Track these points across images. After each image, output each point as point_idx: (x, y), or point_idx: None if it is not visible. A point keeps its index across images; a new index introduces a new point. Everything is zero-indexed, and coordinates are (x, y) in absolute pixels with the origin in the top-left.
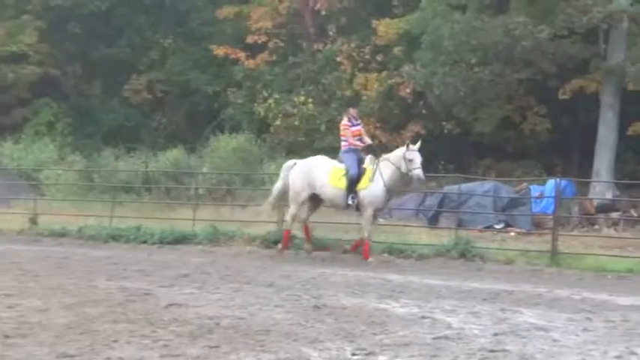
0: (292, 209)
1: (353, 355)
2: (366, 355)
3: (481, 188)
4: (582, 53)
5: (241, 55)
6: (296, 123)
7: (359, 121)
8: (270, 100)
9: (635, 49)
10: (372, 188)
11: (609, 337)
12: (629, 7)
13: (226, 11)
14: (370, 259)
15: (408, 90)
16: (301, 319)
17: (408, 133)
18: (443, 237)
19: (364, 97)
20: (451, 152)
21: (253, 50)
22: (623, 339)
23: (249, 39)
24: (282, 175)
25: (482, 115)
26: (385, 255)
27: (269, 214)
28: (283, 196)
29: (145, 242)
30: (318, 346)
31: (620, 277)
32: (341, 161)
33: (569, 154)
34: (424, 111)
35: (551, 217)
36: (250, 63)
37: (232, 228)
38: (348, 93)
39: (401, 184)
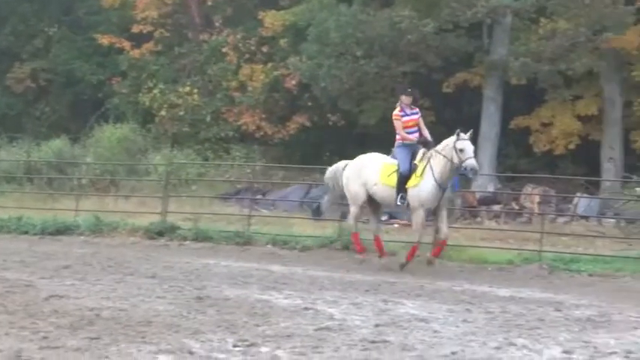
0: (353, 210)
1: (235, 346)
2: (248, 346)
3: None
4: (466, 47)
5: (126, 44)
6: (181, 113)
7: (415, 110)
8: (156, 91)
9: (518, 43)
10: (421, 186)
11: (488, 328)
12: (513, 2)
13: (112, 0)
14: (409, 261)
15: (293, 82)
16: (183, 310)
17: (293, 124)
18: (327, 228)
19: (249, 89)
20: (336, 144)
21: (139, 40)
22: (501, 330)
23: (135, 28)
24: (330, 181)
25: (367, 107)
26: (269, 246)
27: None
28: (336, 202)
29: (26, 233)
30: (200, 337)
31: (500, 268)
32: (394, 157)
33: None
34: (309, 103)
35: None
36: (135, 53)
37: (115, 219)
38: (233, 84)
39: (451, 176)
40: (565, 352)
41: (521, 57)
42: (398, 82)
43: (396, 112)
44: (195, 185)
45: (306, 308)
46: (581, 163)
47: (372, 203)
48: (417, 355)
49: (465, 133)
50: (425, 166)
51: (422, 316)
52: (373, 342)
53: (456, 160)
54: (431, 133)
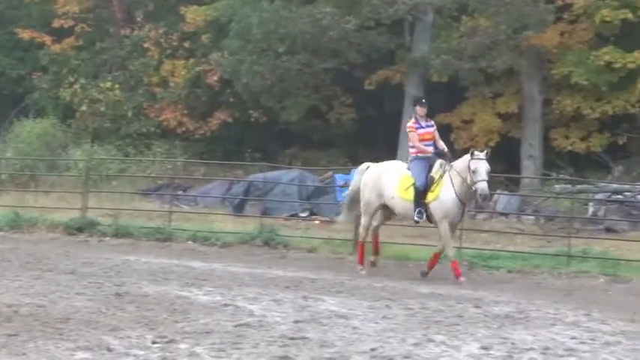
0: (364, 221)
1: (153, 343)
2: (167, 342)
3: (287, 177)
4: (388, 44)
5: (47, 39)
6: (102, 109)
7: (430, 122)
8: (77, 86)
9: (439, 41)
10: (442, 198)
11: (408, 325)
12: (433, 1)
13: None
14: (462, 279)
15: (215, 78)
16: (102, 306)
17: (214, 120)
18: (248, 225)
19: (171, 84)
20: (258, 140)
21: (60, 35)
22: (421, 326)
23: (56, 23)
24: (354, 179)
25: (289, 103)
26: (189, 242)
27: (347, 226)
28: (356, 204)
29: None
30: (118, 334)
31: (421, 265)
32: (409, 170)
33: (373, 143)
34: (231, 99)
35: None
36: (56, 47)
37: (35, 214)
38: (155, 80)
39: (470, 196)
40: (483, 348)
41: (442, 54)
42: (320, 80)
43: (411, 123)
44: (115, 181)
45: (225, 305)
46: (501, 161)
47: (386, 209)
48: (335, 351)
49: (482, 152)
50: (442, 179)
51: (342, 312)
52: (292, 338)
53: (469, 180)
54: (351, 130)
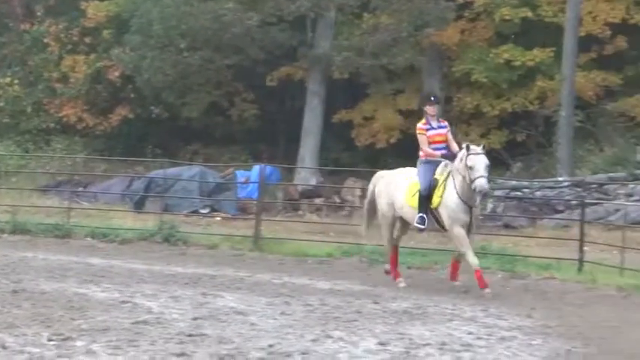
0: (383, 233)
1: (49, 340)
2: (63, 340)
3: (187, 173)
4: (290, 41)
5: None
6: (1, 104)
7: (444, 123)
8: None
9: (341, 38)
10: (446, 202)
11: (306, 321)
12: None
13: None
14: (487, 290)
15: (116, 73)
16: None
17: (115, 116)
18: (148, 221)
19: (72, 80)
20: (159, 137)
21: None
22: (319, 322)
23: None
24: (369, 189)
25: (190, 100)
26: (88, 239)
27: (367, 235)
28: (374, 215)
29: None
30: (14, 331)
31: (320, 261)
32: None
33: (275, 140)
34: (133, 95)
35: (255, 202)
36: None
37: None
38: (55, 75)
39: (472, 195)
40: (380, 343)
41: (344, 51)
42: (222, 76)
43: (420, 124)
44: (14, 177)
45: (123, 302)
46: (403, 157)
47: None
48: (233, 347)
49: (479, 145)
50: (446, 181)
51: (240, 309)
52: (190, 335)
53: (467, 178)
54: (253, 127)
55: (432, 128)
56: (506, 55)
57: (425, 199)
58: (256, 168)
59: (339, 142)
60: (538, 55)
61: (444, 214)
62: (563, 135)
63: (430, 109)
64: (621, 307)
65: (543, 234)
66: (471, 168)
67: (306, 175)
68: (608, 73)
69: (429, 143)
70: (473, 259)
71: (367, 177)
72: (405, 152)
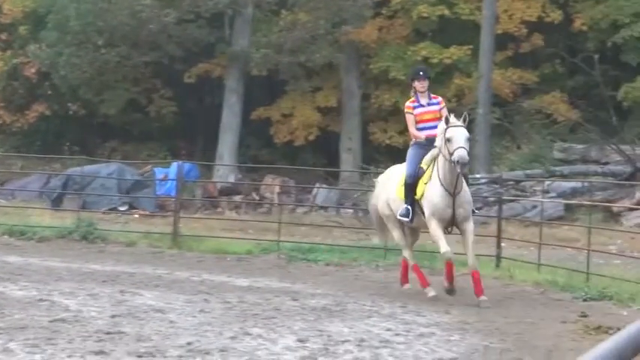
0: (395, 237)
1: None
2: None
3: (106, 170)
4: (208, 37)
5: None
6: None
7: (435, 99)
8: None
9: (259, 34)
10: (428, 191)
11: (225, 318)
12: None
13: None
14: (483, 298)
15: (33, 70)
16: None
17: (32, 113)
18: (66, 219)
19: None
20: (77, 133)
21: None
22: (238, 320)
23: None
24: (373, 194)
25: (108, 96)
26: (5, 237)
27: (382, 239)
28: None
29: None
30: None
31: (239, 258)
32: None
33: (194, 137)
34: (50, 91)
35: (174, 199)
36: None
37: None
38: None
39: (456, 181)
40: (299, 340)
41: (262, 48)
42: (140, 72)
43: (408, 102)
44: None
45: (41, 300)
46: (321, 154)
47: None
48: (152, 345)
49: (459, 118)
50: (432, 168)
51: (159, 306)
52: (108, 333)
53: (446, 153)
54: (171, 124)
55: (421, 106)
56: (423, 53)
57: (409, 189)
58: (174, 165)
59: (257, 139)
60: (455, 52)
61: (425, 207)
62: (480, 132)
63: (418, 85)
64: (538, 302)
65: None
66: (449, 140)
67: (225, 173)
68: (524, 71)
69: (417, 122)
70: (445, 253)
71: (286, 174)
72: (323, 149)
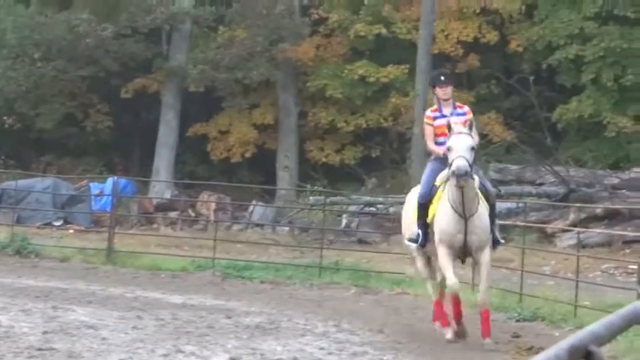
0: (418, 266)
1: None
2: None
3: (41, 184)
4: (145, 53)
5: None
6: None
7: (462, 109)
8: None
9: (197, 50)
10: (437, 216)
11: (158, 335)
12: (192, 10)
13: None
14: (488, 341)
15: None
16: None
17: None
18: (0, 233)
19: None
20: (11, 147)
21: None
22: (171, 337)
23: None
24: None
25: (44, 110)
26: None
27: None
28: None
29: None
30: None
31: (174, 275)
32: None
33: (130, 152)
34: None
35: (109, 214)
36: None
37: None
38: None
39: (466, 202)
40: (232, 359)
41: (199, 64)
42: (77, 87)
43: (429, 112)
44: None
45: None
46: (258, 172)
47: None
48: None
49: (462, 125)
50: (444, 187)
51: (92, 323)
52: (40, 349)
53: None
54: (108, 139)
55: (443, 116)
56: (360, 72)
57: (422, 210)
58: (110, 180)
59: (194, 156)
60: (392, 71)
61: (435, 231)
62: (416, 152)
63: (440, 92)
64: (472, 323)
65: (397, 249)
66: (449, 149)
67: (161, 189)
68: (460, 91)
69: (438, 135)
70: (450, 282)
71: (222, 190)
72: (260, 166)
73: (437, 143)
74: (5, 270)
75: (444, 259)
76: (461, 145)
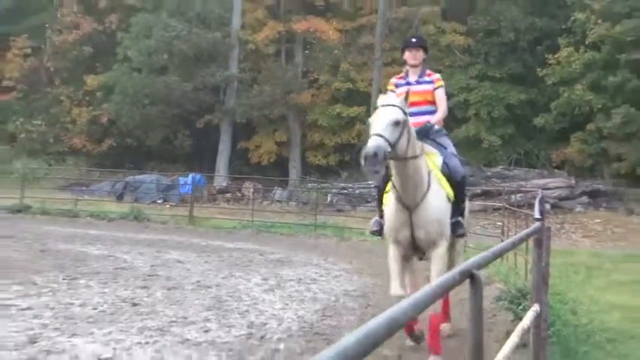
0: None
1: (63, 279)
2: (72, 279)
3: (149, 178)
4: (211, 99)
5: None
6: (34, 136)
7: (430, 77)
8: (17, 122)
9: (241, 98)
10: (385, 205)
11: (220, 266)
12: (238, 74)
13: None
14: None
15: (105, 118)
16: (31, 257)
17: (105, 144)
18: (125, 208)
19: (78, 122)
20: (132, 156)
21: (5, 90)
22: (228, 267)
23: (4, 83)
24: None
25: (151, 135)
26: (89, 218)
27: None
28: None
29: None
30: (41, 274)
31: (229, 231)
32: None
33: (202, 159)
34: (115, 131)
35: (190, 196)
36: (3, 97)
37: None
38: (67, 119)
39: (409, 190)
40: (263, 279)
41: (242, 107)
42: (171, 120)
43: (393, 79)
44: (43, 180)
45: (109, 255)
46: (278, 169)
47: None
48: (176, 282)
49: (388, 94)
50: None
51: (180, 259)
52: (149, 275)
53: None
54: (190, 151)
55: (408, 84)
56: (338, 110)
57: (379, 195)
58: (191, 176)
59: (240, 160)
60: (356, 110)
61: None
62: None
63: (409, 56)
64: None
65: (361, 215)
66: (368, 126)
67: (220, 180)
68: None
69: None
70: (391, 292)
71: (257, 181)
72: (279, 166)
73: None
74: (128, 229)
75: (390, 260)
76: (379, 121)
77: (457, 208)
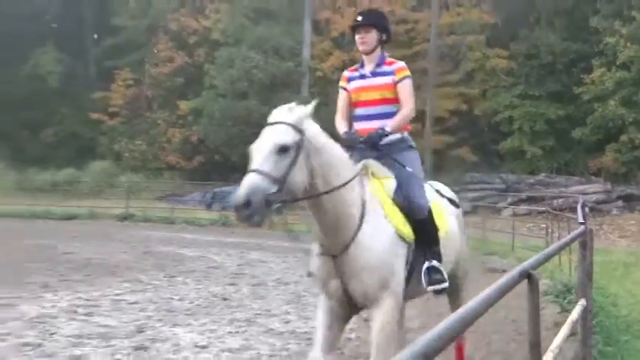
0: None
1: (164, 277)
2: (171, 277)
3: (234, 189)
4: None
5: (105, 118)
6: (136, 155)
7: (390, 67)
8: (122, 142)
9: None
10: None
11: (296, 265)
12: (308, 98)
13: None
14: None
15: (195, 137)
16: (136, 259)
17: (195, 160)
18: (214, 215)
19: (173, 142)
20: (222, 170)
21: (112, 115)
22: (304, 266)
23: (110, 109)
24: None
25: (235, 151)
26: (184, 224)
27: None
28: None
29: None
30: (145, 273)
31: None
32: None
33: None
34: (204, 149)
35: None
36: (110, 122)
37: (98, 211)
38: (164, 139)
39: (329, 231)
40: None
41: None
42: (251, 141)
43: (346, 72)
44: (143, 192)
45: (201, 256)
46: None
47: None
48: (260, 280)
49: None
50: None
51: (262, 259)
52: (237, 274)
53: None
54: None
55: (362, 77)
56: None
57: None
58: None
59: None
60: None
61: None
62: None
63: (358, 40)
64: None
65: None
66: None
67: None
68: None
69: (354, 104)
70: (311, 355)
71: None
72: None
73: (354, 117)
74: (217, 234)
75: (317, 317)
76: (258, 149)
77: (429, 249)
